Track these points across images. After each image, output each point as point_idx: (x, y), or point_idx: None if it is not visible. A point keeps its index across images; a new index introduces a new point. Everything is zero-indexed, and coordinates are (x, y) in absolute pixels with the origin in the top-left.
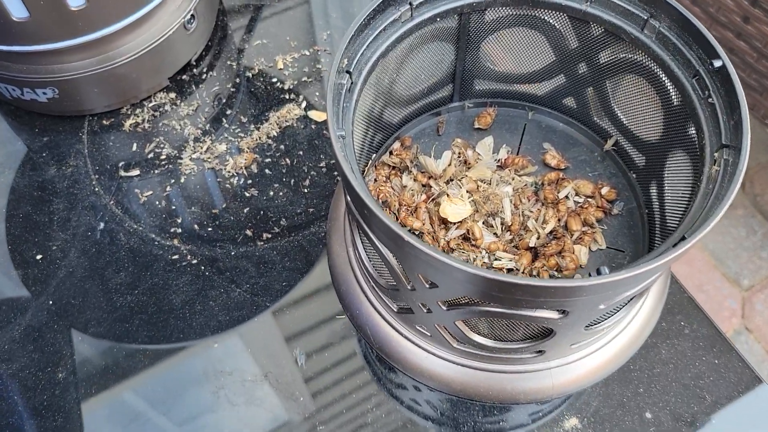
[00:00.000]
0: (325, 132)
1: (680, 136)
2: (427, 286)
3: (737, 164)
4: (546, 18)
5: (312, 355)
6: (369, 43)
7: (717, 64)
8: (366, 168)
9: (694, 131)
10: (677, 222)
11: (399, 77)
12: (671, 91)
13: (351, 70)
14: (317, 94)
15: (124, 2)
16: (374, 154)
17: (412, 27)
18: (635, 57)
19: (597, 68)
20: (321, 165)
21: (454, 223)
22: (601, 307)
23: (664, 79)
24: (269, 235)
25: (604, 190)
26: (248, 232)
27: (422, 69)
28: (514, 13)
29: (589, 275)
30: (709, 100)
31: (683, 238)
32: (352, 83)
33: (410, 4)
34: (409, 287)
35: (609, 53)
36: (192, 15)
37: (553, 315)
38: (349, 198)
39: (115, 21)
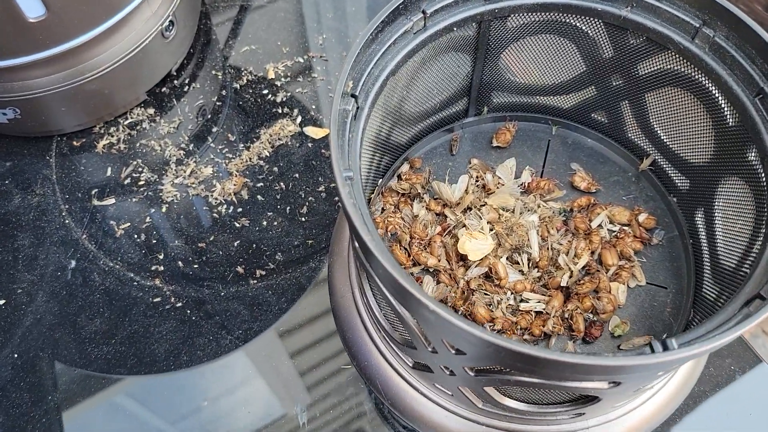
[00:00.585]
0: (323, 151)
1: (737, 161)
2: (453, 352)
3: None
4: (578, 24)
5: (316, 414)
6: (377, 60)
7: None
8: (372, 196)
9: (755, 157)
10: (736, 262)
11: (409, 94)
12: (726, 110)
13: (357, 94)
14: (314, 107)
15: (91, 10)
16: (380, 179)
17: (426, 39)
18: (682, 69)
19: (634, 80)
20: (320, 189)
21: (475, 261)
22: (660, 374)
23: (717, 96)
24: (263, 272)
25: (642, 217)
26: (239, 269)
27: (435, 83)
28: (542, 18)
29: (651, 348)
30: None
31: (761, 297)
32: (357, 108)
33: (423, 12)
34: (429, 349)
35: (650, 64)
36: (171, 21)
37: (602, 386)
38: (360, 253)
39: (81, 32)
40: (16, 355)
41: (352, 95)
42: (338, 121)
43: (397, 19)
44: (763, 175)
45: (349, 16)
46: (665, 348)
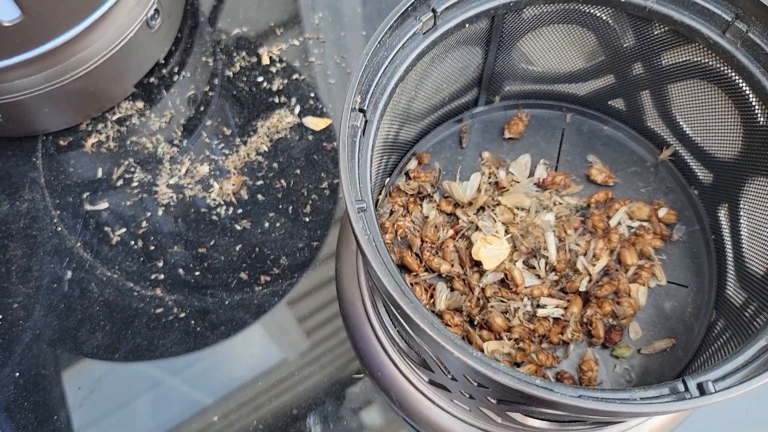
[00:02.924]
0: (325, 144)
1: (766, 161)
2: (475, 384)
3: None
4: (599, 14)
5: (330, 426)
6: (385, 68)
7: None
8: (379, 198)
9: None
10: (764, 262)
11: (418, 93)
12: (758, 108)
13: (365, 108)
14: (312, 95)
15: (70, 9)
16: (387, 178)
17: (436, 38)
18: (711, 63)
19: (657, 71)
20: (323, 186)
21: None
22: None
23: (748, 93)
24: (268, 278)
25: (662, 212)
26: (243, 275)
27: (444, 78)
28: (560, 9)
29: (684, 385)
30: None
31: None
32: (366, 122)
33: (433, 10)
34: (449, 377)
35: (675, 55)
36: (156, 9)
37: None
38: (376, 287)
39: (61, 32)
40: (17, 374)
41: (361, 110)
42: (348, 143)
43: (406, 21)
44: None
45: None
46: (702, 392)
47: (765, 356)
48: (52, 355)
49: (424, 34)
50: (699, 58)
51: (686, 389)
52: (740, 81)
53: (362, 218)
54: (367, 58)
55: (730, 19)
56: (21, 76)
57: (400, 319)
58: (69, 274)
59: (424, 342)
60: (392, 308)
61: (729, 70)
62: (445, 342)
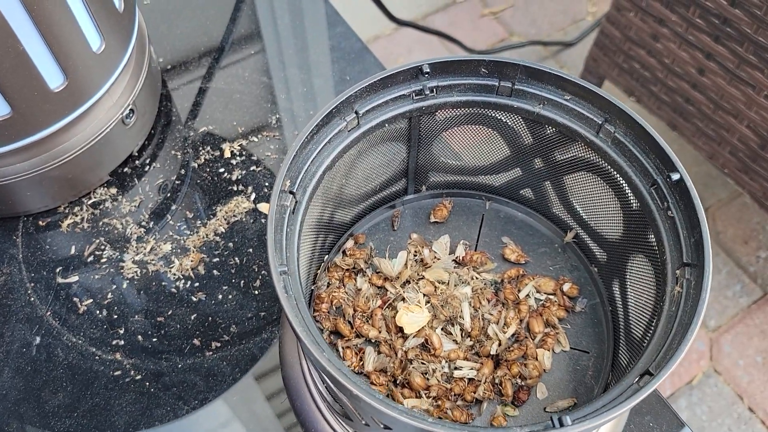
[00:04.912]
0: None
1: (641, 241)
2: (381, 426)
3: (700, 287)
4: (499, 117)
5: None
6: (313, 158)
7: (675, 177)
8: (318, 272)
9: (653, 240)
10: (641, 333)
11: (348, 181)
12: (630, 195)
13: (294, 190)
14: (267, 184)
15: (53, 107)
16: (327, 255)
17: (360, 135)
18: (591, 158)
19: (553, 164)
20: None
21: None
22: None
23: (622, 182)
24: (218, 344)
25: (566, 287)
26: (196, 342)
27: (373, 169)
28: (466, 112)
29: (551, 422)
30: (669, 213)
31: (649, 374)
32: (296, 203)
33: (356, 113)
34: (363, 423)
35: (565, 152)
36: (131, 109)
37: None
38: (297, 341)
39: (45, 126)
40: None
41: (290, 192)
42: (276, 218)
43: (332, 120)
44: (659, 256)
45: (301, 97)
46: (561, 424)
47: (618, 401)
48: (16, 413)
49: (348, 131)
50: (582, 154)
51: (553, 425)
52: (614, 172)
53: (283, 280)
54: (296, 149)
55: (600, 122)
56: (8, 164)
57: (310, 360)
58: (38, 339)
59: (337, 387)
60: (304, 351)
61: (605, 164)
62: (346, 381)
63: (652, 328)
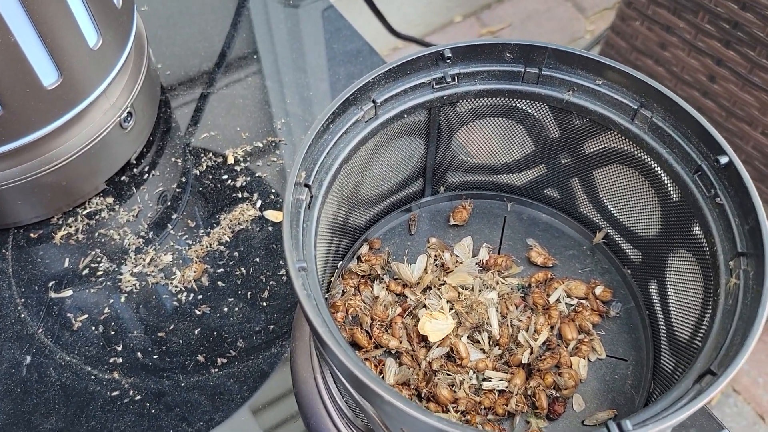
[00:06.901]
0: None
1: (683, 234)
2: None
3: (762, 276)
4: (524, 107)
5: None
6: (329, 149)
7: (723, 160)
8: (332, 279)
9: (699, 232)
10: (689, 334)
11: (364, 178)
12: (669, 186)
13: (310, 183)
14: (273, 191)
15: (47, 107)
16: (340, 261)
17: (377, 126)
18: (626, 148)
19: (582, 158)
20: (281, 273)
21: (436, 341)
22: None
23: (660, 173)
24: (224, 360)
25: (598, 290)
26: (200, 358)
27: (390, 167)
28: (489, 103)
29: (607, 429)
30: (717, 200)
31: (711, 373)
32: (312, 197)
33: (374, 102)
34: None
35: (595, 143)
36: (129, 112)
37: None
38: (317, 344)
39: (38, 127)
40: None
41: (306, 185)
42: (292, 212)
43: (348, 109)
44: (707, 248)
45: (308, 100)
46: (621, 430)
47: (678, 405)
48: None
49: (366, 122)
50: (614, 145)
51: (608, 429)
52: (651, 162)
53: (302, 276)
54: (312, 138)
55: (636, 107)
56: None
57: (339, 374)
58: (28, 359)
59: (362, 394)
60: (328, 359)
61: (641, 153)
62: (376, 386)
63: (704, 326)
